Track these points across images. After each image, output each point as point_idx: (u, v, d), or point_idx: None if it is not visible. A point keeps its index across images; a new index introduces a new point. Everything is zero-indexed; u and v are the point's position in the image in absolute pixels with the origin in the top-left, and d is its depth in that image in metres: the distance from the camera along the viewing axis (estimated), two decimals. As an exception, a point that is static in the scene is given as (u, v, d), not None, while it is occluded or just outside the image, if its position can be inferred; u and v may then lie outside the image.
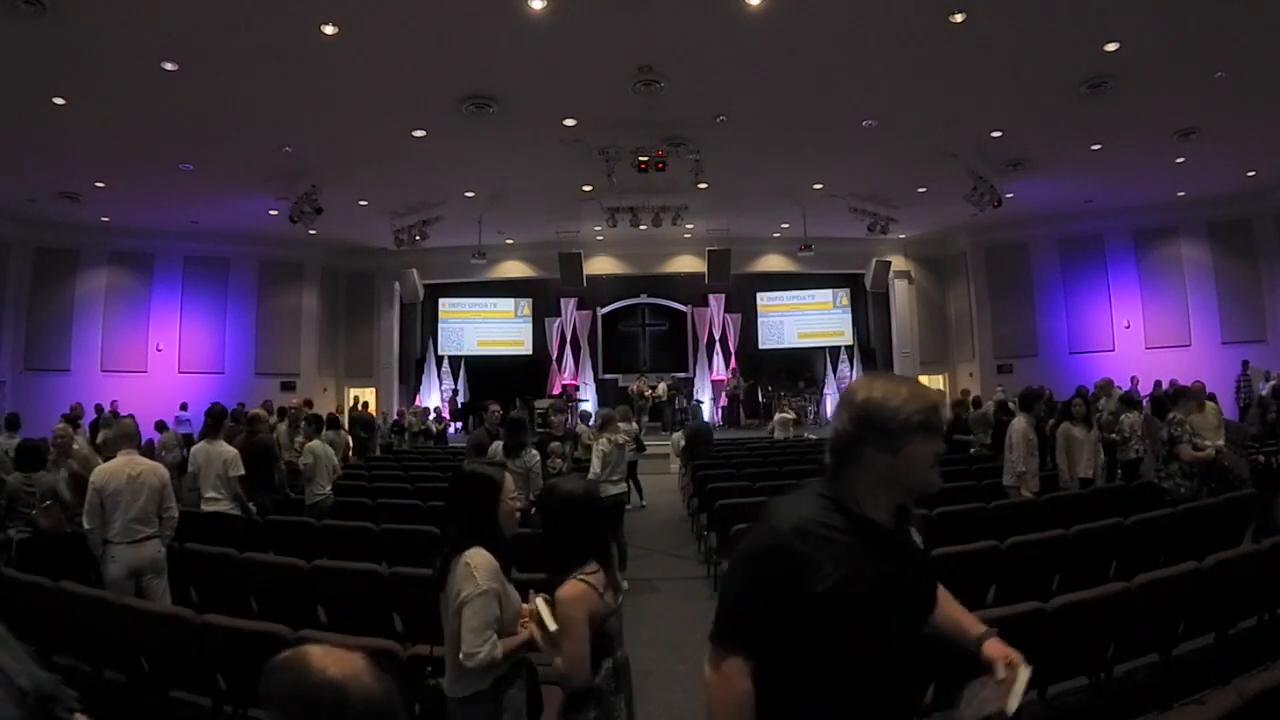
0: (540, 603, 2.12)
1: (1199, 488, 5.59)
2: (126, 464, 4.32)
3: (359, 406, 15.82)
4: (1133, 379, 12.90)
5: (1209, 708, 2.05)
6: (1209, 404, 6.23)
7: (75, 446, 6.42)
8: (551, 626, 2.03)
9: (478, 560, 2.11)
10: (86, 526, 4.22)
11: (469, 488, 2.37)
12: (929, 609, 1.56)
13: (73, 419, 9.40)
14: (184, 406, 13.71)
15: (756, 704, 1.39)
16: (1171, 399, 6.15)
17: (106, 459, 4.85)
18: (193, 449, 6.08)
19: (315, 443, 6.94)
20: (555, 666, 2.07)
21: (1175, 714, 2.77)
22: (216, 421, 5.94)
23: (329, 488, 6.72)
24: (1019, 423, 6.20)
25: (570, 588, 2.07)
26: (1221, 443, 5.88)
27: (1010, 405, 10.26)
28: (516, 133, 9.83)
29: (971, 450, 9.53)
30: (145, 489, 4.25)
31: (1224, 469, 5.81)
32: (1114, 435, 7.65)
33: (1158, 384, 12.29)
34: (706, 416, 18.11)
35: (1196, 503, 5.36)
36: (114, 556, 4.15)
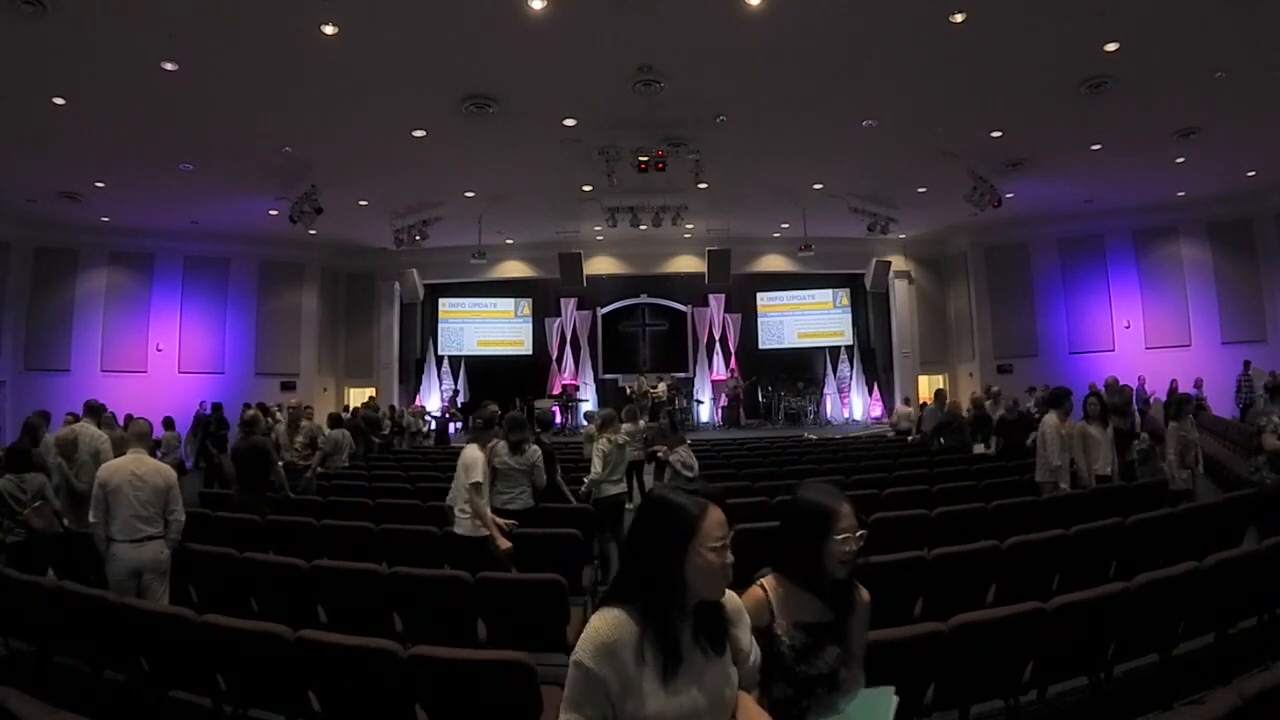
0: None
1: None
2: (132, 462, 4.37)
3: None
4: (1140, 379, 12.88)
5: (1209, 708, 2.04)
6: None
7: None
8: None
9: (594, 623, 1.51)
10: (91, 520, 4.28)
11: (644, 516, 1.65)
12: None
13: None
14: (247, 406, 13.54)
15: None
16: (1273, 391, 6.08)
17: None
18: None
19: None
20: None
21: (1175, 714, 2.76)
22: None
23: None
24: (1050, 419, 6.29)
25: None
26: None
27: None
28: (516, 133, 9.84)
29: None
30: (148, 488, 4.29)
31: None
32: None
33: (1173, 384, 12.29)
34: (706, 417, 18.20)
35: (1196, 503, 5.35)
36: (115, 554, 4.17)
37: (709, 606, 1.57)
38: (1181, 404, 6.78)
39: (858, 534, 1.89)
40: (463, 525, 4.83)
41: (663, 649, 1.48)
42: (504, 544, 4.62)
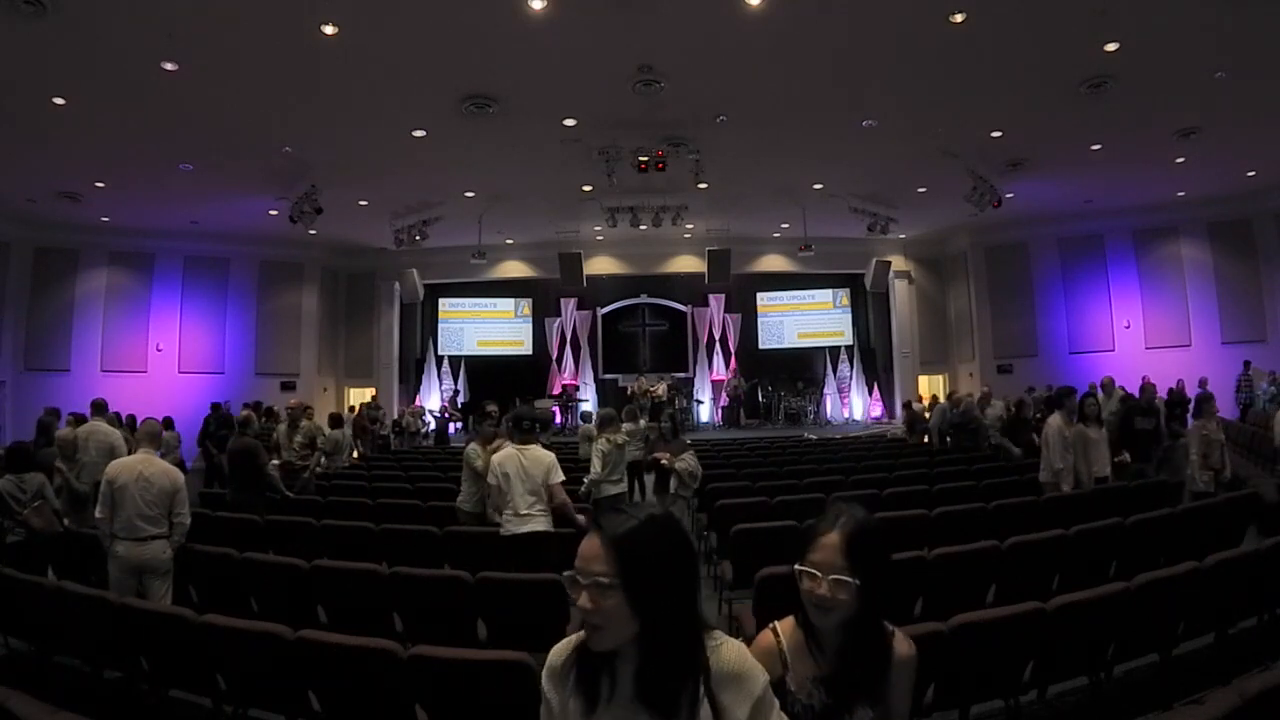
0: None
1: None
2: (141, 462, 4.42)
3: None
4: (1143, 379, 12.85)
5: (1209, 708, 2.04)
6: None
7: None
8: None
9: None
10: (97, 515, 4.32)
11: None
12: None
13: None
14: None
15: None
16: None
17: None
18: None
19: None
20: None
21: (1175, 714, 2.76)
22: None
23: None
24: (1054, 420, 6.30)
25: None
26: None
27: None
28: (516, 133, 9.84)
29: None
30: (155, 489, 4.32)
31: None
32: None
33: (1179, 384, 12.11)
34: (706, 417, 18.22)
35: (1195, 503, 5.35)
36: (117, 552, 4.20)
37: (649, 657, 1.28)
38: (1203, 403, 6.64)
39: (831, 577, 1.46)
40: (540, 523, 4.73)
41: (577, 683, 1.32)
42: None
